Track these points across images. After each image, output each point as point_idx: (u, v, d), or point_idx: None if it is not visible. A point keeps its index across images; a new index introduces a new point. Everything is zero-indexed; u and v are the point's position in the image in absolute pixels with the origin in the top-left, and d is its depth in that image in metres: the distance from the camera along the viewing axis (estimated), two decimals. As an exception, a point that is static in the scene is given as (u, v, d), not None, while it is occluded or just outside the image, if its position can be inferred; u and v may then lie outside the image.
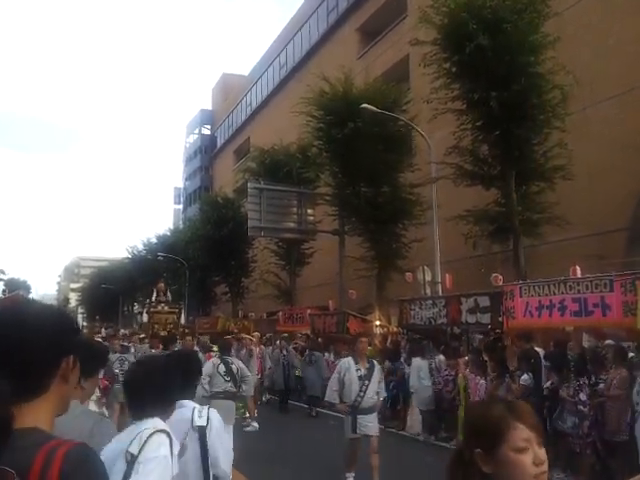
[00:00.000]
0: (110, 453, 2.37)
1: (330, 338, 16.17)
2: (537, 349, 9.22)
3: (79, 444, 1.25)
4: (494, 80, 12.85)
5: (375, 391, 7.27)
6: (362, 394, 7.10)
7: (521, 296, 9.92)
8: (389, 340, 14.34)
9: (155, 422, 2.56)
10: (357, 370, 7.19)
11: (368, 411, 7.18)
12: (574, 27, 17.13)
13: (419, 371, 10.93)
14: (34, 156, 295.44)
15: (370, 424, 7.16)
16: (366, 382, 7.15)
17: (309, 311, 19.03)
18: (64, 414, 1.41)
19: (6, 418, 1.03)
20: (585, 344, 10.19)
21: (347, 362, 7.39)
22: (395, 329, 14.84)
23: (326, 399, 7.55)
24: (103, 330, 31.79)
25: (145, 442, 2.42)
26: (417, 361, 11.08)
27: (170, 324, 25.25)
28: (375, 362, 7.69)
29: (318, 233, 23.34)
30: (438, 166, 15.56)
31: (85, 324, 68.00)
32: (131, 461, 2.40)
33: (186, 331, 23.80)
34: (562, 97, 12.91)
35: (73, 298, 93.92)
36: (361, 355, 7.41)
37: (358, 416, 7.07)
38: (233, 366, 8.35)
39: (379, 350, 13.63)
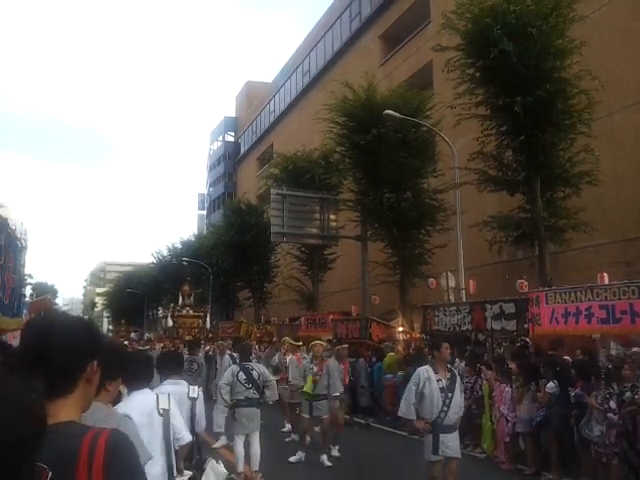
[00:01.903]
0: (137, 410, 3.59)
1: (353, 344, 16.14)
2: (565, 357, 9.10)
3: (114, 429, 1.47)
4: (519, 85, 12.77)
5: (459, 405, 6.36)
6: (446, 409, 6.13)
7: (547, 303, 9.82)
8: (412, 346, 14.28)
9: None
10: (438, 381, 6.18)
11: (451, 429, 6.22)
12: (600, 31, 16.94)
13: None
14: (59, 164, 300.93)
15: (452, 444, 6.19)
16: (449, 395, 6.16)
17: (331, 316, 19.02)
18: (91, 415, 1.64)
19: (44, 414, 1.15)
20: (612, 352, 10.05)
21: (425, 371, 6.27)
22: (418, 335, 14.77)
23: (401, 414, 6.55)
24: (133, 334, 32.08)
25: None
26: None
27: (195, 328, 25.38)
28: (455, 371, 6.77)
29: (341, 239, 23.38)
30: (462, 172, 15.49)
31: (110, 328, 68.90)
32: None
33: (210, 336, 23.97)
34: (588, 102, 12.77)
35: (99, 302, 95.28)
36: (442, 363, 6.38)
37: (440, 435, 6.09)
38: (254, 372, 8.21)
39: (403, 356, 13.58)
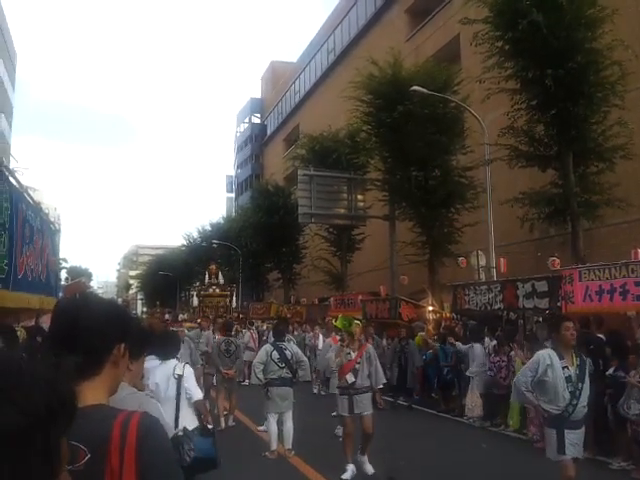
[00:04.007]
0: (161, 375, 5.14)
1: (382, 324, 16.16)
2: (599, 335, 8.95)
3: (145, 413, 1.46)
4: (549, 57, 12.43)
5: (587, 396, 5.36)
6: (575, 402, 5.18)
7: (580, 280, 9.65)
8: (442, 326, 14.23)
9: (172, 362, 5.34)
10: (563, 368, 5.25)
11: (578, 424, 5.30)
12: (634, -2, 16.36)
13: (478, 355, 10.82)
14: (91, 149, 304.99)
15: (578, 443, 5.29)
16: (579, 385, 5.23)
17: (360, 297, 19.05)
18: (114, 395, 1.62)
19: (74, 393, 1.12)
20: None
21: (548, 355, 5.32)
22: (448, 315, 14.70)
23: (517, 399, 5.71)
24: (167, 315, 32.48)
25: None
26: (478, 346, 10.97)
27: (221, 307, 25.60)
28: (585, 357, 5.66)
29: (368, 219, 23.28)
30: (491, 148, 15.23)
31: (145, 309, 70.17)
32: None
33: (240, 316, 24.22)
34: (621, 73, 12.38)
35: (133, 285, 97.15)
36: (567, 347, 5.38)
37: (566, 431, 5.19)
38: (287, 352, 8.36)
39: (433, 335, 13.55)
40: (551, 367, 5.23)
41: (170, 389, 5.03)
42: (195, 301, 26.54)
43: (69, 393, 1.04)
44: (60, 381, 1.03)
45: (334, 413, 10.66)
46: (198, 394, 5.28)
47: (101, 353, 1.48)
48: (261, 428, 9.51)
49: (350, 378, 7.38)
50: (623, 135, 12.74)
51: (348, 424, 7.41)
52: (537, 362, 5.32)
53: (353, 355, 7.51)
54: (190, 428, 4.47)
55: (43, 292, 5.91)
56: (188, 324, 19.43)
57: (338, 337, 9.32)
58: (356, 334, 7.75)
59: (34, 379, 0.97)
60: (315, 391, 14.31)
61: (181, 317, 32.70)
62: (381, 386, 7.96)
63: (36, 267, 5.52)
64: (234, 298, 27.31)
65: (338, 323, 7.99)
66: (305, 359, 8.89)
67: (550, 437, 5.31)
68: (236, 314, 25.74)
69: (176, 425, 4.78)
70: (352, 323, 7.78)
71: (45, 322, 7.94)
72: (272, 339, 9.29)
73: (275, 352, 8.33)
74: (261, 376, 8.25)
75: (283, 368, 8.26)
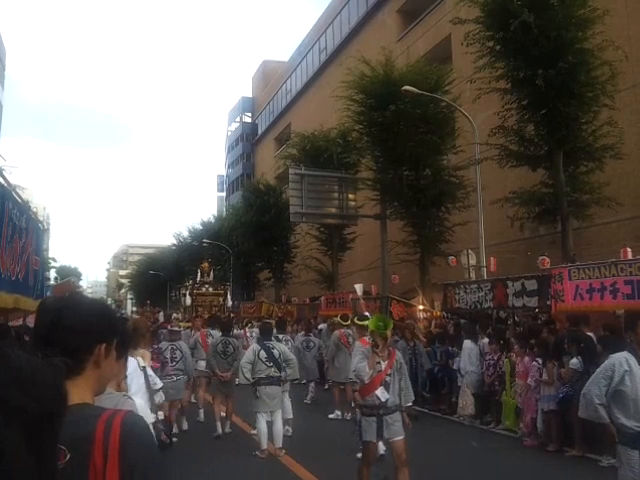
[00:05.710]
0: (132, 368, 5.09)
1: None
2: (589, 333, 8.99)
3: (130, 411, 1.44)
4: (540, 57, 12.49)
5: None
6: None
7: (570, 279, 9.68)
8: (433, 324, 14.25)
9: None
10: None
11: None
12: (623, 0, 16.46)
13: (470, 353, 10.83)
14: (83, 148, 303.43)
15: None
16: None
17: (351, 295, 19.03)
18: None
19: (66, 392, 1.12)
20: None
21: (624, 359, 4.43)
22: (439, 313, 14.72)
23: (585, 416, 4.75)
24: (161, 314, 32.35)
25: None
26: (468, 344, 10.97)
27: (215, 307, 25.40)
28: None
29: (360, 218, 23.27)
30: (482, 147, 15.27)
31: (134, 309, 69.99)
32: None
33: (232, 315, 24.10)
34: (611, 73, 12.47)
35: (124, 284, 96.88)
36: None
37: None
38: (275, 351, 8.35)
39: (426, 334, 13.55)
40: (630, 374, 4.36)
41: (139, 379, 5.57)
42: (188, 300, 26.24)
43: (66, 394, 1.07)
44: (61, 382, 1.06)
45: (331, 415, 10.81)
46: (160, 383, 5.93)
47: (81, 353, 1.46)
48: (254, 432, 9.42)
49: (383, 395, 5.88)
50: (613, 135, 12.82)
51: (372, 451, 6.07)
52: (611, 368, 4.42)
53: (383, 365, 5.96)
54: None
55: (20, 292, 5.87)
56: (183, 324, 19.33)
57: (367, 338, 6.42)
58: (388, 338, 6.15)
59: (45, 378, 1.01)
60: (307, 400, 13.54)
61: (174, 316, 32.48)
62: (410, 404, 6.33)
63: (12, 266, 5.47)
64: (228, 296, 27.09)
65: (371, 324, 6.18)
66: (293, 357, 8.86)
67: (630, 460, 4.34)
68: (228, 312, 25.62)
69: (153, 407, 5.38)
70: (388, 325, 6.15)
71: (31, 322, 7.87)
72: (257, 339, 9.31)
73: (263, 351, 8.31)
74: (249, 376, 8.23)
75: (271, 367, 8.25)
